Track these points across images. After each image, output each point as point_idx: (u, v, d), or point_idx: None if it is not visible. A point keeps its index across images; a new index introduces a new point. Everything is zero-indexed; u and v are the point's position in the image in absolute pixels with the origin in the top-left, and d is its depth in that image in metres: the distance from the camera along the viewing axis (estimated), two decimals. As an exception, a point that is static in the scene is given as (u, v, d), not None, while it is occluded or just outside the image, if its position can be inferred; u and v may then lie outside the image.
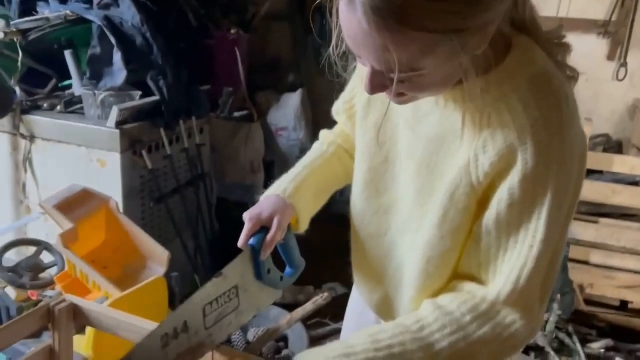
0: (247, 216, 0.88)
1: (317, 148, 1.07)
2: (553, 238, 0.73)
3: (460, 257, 0.80)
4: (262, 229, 0.87)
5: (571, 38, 0.81)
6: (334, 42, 0.75)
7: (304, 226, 0.96)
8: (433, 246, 0.81)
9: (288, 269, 0.94)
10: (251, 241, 0.86)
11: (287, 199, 0.92)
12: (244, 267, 0.86)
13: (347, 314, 1.21)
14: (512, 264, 0.73)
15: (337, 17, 0.69)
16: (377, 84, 0.70)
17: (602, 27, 2.74)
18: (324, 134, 1.10)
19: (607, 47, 2.78)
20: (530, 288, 0.73)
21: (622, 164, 2.30)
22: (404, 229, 0.88)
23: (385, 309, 0.98)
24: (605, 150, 2.67)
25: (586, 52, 2.75)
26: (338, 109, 1.07)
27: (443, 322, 0.74)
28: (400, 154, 0.87)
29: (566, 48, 0.78)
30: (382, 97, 0.77)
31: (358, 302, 1.11)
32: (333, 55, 0.77)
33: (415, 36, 0.61)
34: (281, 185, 0.95)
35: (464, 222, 0.77)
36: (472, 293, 0.76)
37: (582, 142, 0.75)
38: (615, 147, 2.77)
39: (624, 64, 2.75)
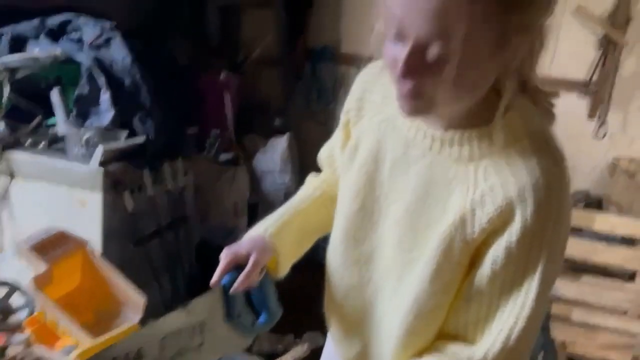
0: (223, 253, 0.86)
1: (303, 192, 1.05)
2: (545, 297, 0.72)
3: (449, 314, 0.78)
4: (238, 267, 0.84)
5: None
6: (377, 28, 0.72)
7: (283, 270, 0.93)
8: (423, 302, 0.78)
9: (262, 316, 0.89)
10: (223, 280, 0.83)
11: (268, 237, 0.89)
12: (213, 305, 0.82)
13: None
14: (502, 323, 0.72)
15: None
16: (414, 65, 0.66)
17: (583, 87, 2.82)
18: (310, 178, 1.09)
19: (588, 106, 2.86)
20: (519, 349, 0.72)
21: (603, 221, 2.32)
22: (386, 277, 0.86)
23: None
24: (585, 206, 2.70)
25: (568, 110, 2.81)
26: (322, 157, 1.07)
27: None
28: (379, 202, 0.86)
29: (551, 117, 0.80)
30: (370, 143, 0.76)
31: (331, 357, 1.08)
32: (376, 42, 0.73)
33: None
34: (263, 225, 0.92)
35: (455, 277, 0.76)
36: (456, 355, 0.74)
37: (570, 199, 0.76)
38: (595, 203, 2.80)
39: (604, 123, 2.82)
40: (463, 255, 0.75)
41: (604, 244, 2.33)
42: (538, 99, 0.77)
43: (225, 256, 0.85)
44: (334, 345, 1.02)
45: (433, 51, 0.64)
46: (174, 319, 0.77)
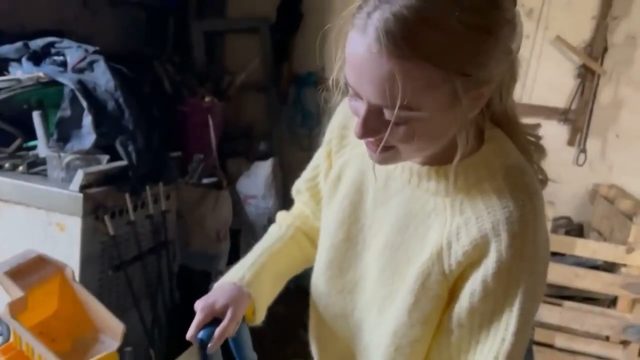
0: (198, 306, 0.85)
1: (274, 231, 1.04)
2: (525, 330, 0.71)
3: (430, 351, 0.78)
4: (214, 320, 0.83)
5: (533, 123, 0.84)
6: (334, 75, 0.75)
7: (260, 317, 0.92)
8: (402, 334, 0.78)
9: None
10: (200, 334, 0.82)
11: (245, 287, 0.88)
12: None
13: None
14: (483, 357, 0.72)
15: (342, 51, 0.69)
16: (370, 126, 0.69)
17: (562, 114, 2.88)
18: (281, 216, 1.08)
19: (568, 133, 2.91)
20: None
21: (584, 247, 2.34)
22: (368, 310, 0.86)
23: None
24: (567, 232, 2.72)
25: (547, 137, 2.83)
26: (299, 188, 1.06)
27: None
28: (363, 232, 0.86)
29: (541, 150, 0.81)
30: (353, 173, 0.76)
31: None
32: (332, 89, 0.77)
33: (423, 67, 0.62)
34: (238, 273, 0.91)
35: (434, 310, 0.76)
36: None
37: (547, 234, 0.76)
38: (577, 229, 2.83)
39: (584, 150, 2.87)
40: (441, 288, 0.75)
41: (585, 269, 2.35)
42: (516, 131, 0.78)
43: (200, 310, 0.84)
44: None
45: (387, 115, 0.66)
46: None
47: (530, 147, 0.80)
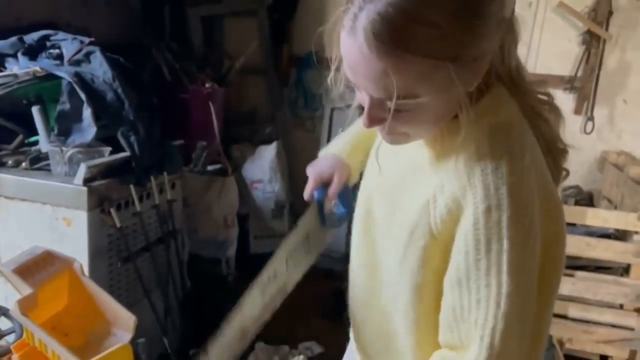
0: (310, 172, 1.05)
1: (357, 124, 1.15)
2: (525, 293, 0.70)
3: (433, 320, 0.77)
4: (324, 184, 1.05)
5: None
6: (331, 75, 0.77)
7: (354, 179, 1.11)
8: (394, 283, 0.81)
9: (341, 209, 1.11)
10: (316, 195, 1.05)
11: (345, 158, 1.08)
12: (312, 218, 1.04)
13: None
14: (482, 327, 0.70)
15: (338, 49, 0.72)
16: (375, 115, 0.72)
17: (568, 83, 2.83)
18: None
19: (574, 102, 2.87)
20: (507, 351, 0.69)
21: (595, 216, 2.32)
22: (384, 260, 0.87)
23: (375, 347, 0.96)
24: (577, 202, 2.70)
25: (554, 106, 2.83)
26: None
27: None
28: (384, 181, 0.89)
29: (557, 112, 0.79)
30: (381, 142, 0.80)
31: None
32: (331, 88, 0.79)
33: (413, 61, 0.64)
34: (339, 145, 1.11)
35: (420, 264, 0.76)
36: None
37: (549, 194, 0.74)
38: (586, 198, 2.81)
39: (591, 118, 2.84)
40: (427, 241, 0.75)
41: (597, 239, 2.33)
42: (522, 90, 0.77)
43: (313, 178, 1.05)
44: (351, 332, 1.04)
45: (388, 105, 0.69)
46: (292, 239, 1.00)
47: (543, 108, 0.78)
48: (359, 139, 1.11)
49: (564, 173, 0.84)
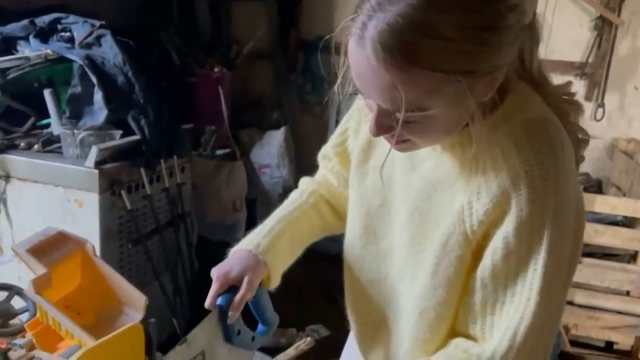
0: (214, 274, 0.85)
1: (295, 198, 1.03)
2: (552, 291, 0.70)
3: (457, 313, 0.77)
4: (231, 287, 0.84)
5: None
6: (338, 82, 0.75)
7: (275, 283, 0.92)
8: (426, 297, 0.78)
9: (260, 327, 0.90)
10: (219, 301, 0.83)
11: (260, 255, 0.88)
12: (211, 330, 0.82)
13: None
14: (509, 320, 0.70)
15: (345, 56, 0.69)
16: (383, 125, 0.69)
17: (579, 69, 2.81)
18: (304, 182, 1.07)
19: (585, 88, 2.85)
20: (528, 346, 0.70)
21: (603, 203, 2.31)
22: (400, 277, 0.86)
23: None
24: (585, 189, 2.70)
25: (564, 92, 2.81)
26: (327, 154, 1.04)
27: None
28: (395, 199, 0.85)
29: (578, 107, 0.78)
30: (387, 157, 0.76)
31: (353, 352, 1.07)
32: (338, 95, 0.76)
33: (423, 74, 0.62)
34: (254, 240, 0.91)
35: (457, 272, 0.75)
36: (468, 352, 0.73)
37: (577, 192, 0.74)
38: (595, 185, 2.80)
39: (602, 105, 2.82)
40: (463, 250, 0.74)
41: (605, 225, 2.33)
42: (545, 92, 0.75)
43: (217, 279, 0.84)
44: (356, 339, 1.01)
45: (397, 116, 0.66)
46: (177, 356, 0.78)
47: (564, 106, 0.77)
48: (285, 231, 0.94)
49: (580, 159, 0.83)
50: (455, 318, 0.78)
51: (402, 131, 0.68)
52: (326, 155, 1.04)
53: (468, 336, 0.76)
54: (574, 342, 2.39)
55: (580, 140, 0.79)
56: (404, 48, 0.60)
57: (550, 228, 0.68)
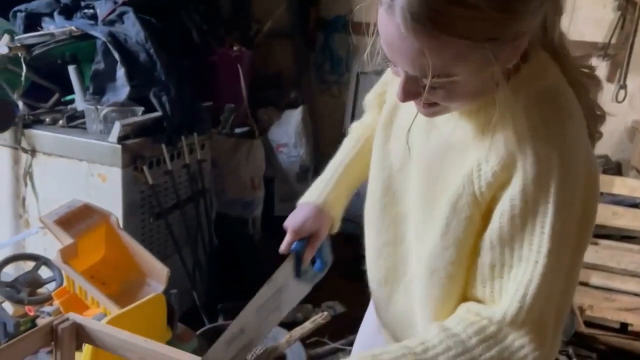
0: (289, 226, 0.99)
1: (349, 145, 1.12)
2: (560, 254, 0.71)
3: (468, 275, 0.79)
4: (303, 237, 0.99)
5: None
6: (368, 50, 0.77)
7: (335, 229, 1.07)
8: (436, 257, 0.80)
9: (318, 264, 1.06)
10: (294, 247, 0.99)
11: (327, 209, 1.02)
12: (287, 271, 0.99)
13: (358, 336, 1.21)
14: (518, 282, 0.72)
15: (375, 26, 0.72)
16: (410, 90, 0.72)
17: (601, 50, 2.76)
18: (354, 126, 1.14)
19: (607, 69, 2.80)
20: (537, 307, 0.71)
21: (622, 185, 2.30)
22: (415, 239, 0.88)
23: (396, 322, 0.97)
24: (604, 171, 2.67)
25: (586, 73, 2.78)
26: (370, 101, 1.11)
27: (448, 344, 0.72)
28: (413, 161, 0.88)
29: (596, 81, 0.79)
30: (410, 103, 0.79)
31: (371, 326, 1.11)
32: (368, 63, 0.79)
33: (450, 42, 0.64)
34: (320, 195, 1.04)
35: (467, 233, 0.77)
36: (479, 315, 0.75)
37: (589, 161, 0.75)
38: (615, 168, 2.78)
39: (624, 86, 2.78)
40: (472, 211, 0.76)
41: (624, 208, 2.32)
42: (565, 63, 0.76)
43: (292, 231, 0.98)
44: (374, 303, 1.05)
45: (423, 82, 0.68)
46: (262, 294, 0.93)
47: (583, 79, 0.78)
48: (344, 183, 1.07)
49: (597, 135, 0.84)
50: (466, 281, 0.80)
51: (428, 96, 0.71)
52: (370, 102, 1.12)
53: (479, 300, 0.77)
54: (589, 323, 2.40)
55: (597, 117, 0.80)
56: (432, 16, 0.62)
57: (556, 191, 0.70)
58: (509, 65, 0.70)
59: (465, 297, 0.80)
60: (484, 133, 0.75)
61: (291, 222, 1.00)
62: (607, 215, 2.31)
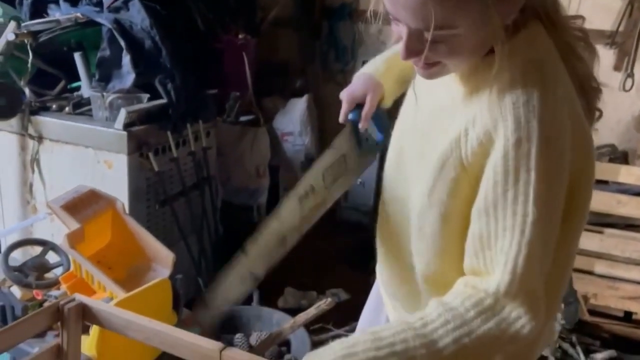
0: (343, 95, 1.03)
1: (385, 54, 1.14)
2: (548, 222, 0.72)
3: (464, 249, 0.80)
4: (358, 105, 1.03)
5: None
6: (371, 8, 0.80)
7: (388, 102, 1.09)
8: (422, 214, 0.83)
9: (379, 135, 1.09)
10: (350, 116, 1.03)
11: (379, 77, 1.05)
12: (348, 138, 1.04)
13: (363, 312, 1.22)
14: (506, 253, 0.72)
15: None
16: (413, 47, 0.74)
17: (609, 38, 2.74)
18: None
19: (614, 58, 2.78)
20: (529, 276, 0.72)
21: (628, 174, 2.29)
22: (415, 195, 0.89)
23: (398, 288, 0.99)
24: (610, 160, 2.66)
25: (593, 62, 2.76)
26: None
27: (446, 317, 0.73)
28: (420, 120, 0.90)
29: (592, 48, 0.80)
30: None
31: (375, 300, 1.13)
32: (370, 20, 0.81)
33: None
34: (374, 65, 1.08)
35: (451, 195, 0.79)
36: (476, 288, 0.75)
37: (581, 136, 0.75)
38: (621, 157, 2.77)
39: (631, 75, 2.76)
40: (458, 174, 0.77)
41: (629, 196, 2.31)
42: (558, 24, 0.77)
43: (346, 99, 1.03)
44: (379, 267, 1.07)
45: (426, 36, 0.70)
46: (327, 157, 1.00)
47: (578, 44, 0.79)
48: (394, 62, 1.08)
49: (597, 114, 0.84)
50: (456, 253, 0.81)
51: (430, 53, 0.72)
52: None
53: (475, 271, 0.78)
54: (593, 312, 2.40)
55: (593, 89, 0.80)
56: None
57: (537, 160, 0.70)
58: (507, 20, 0.71)
59: (462, 269, 0.81)
60: (471, 98, 0.77)
61: (345, 92, 1.04)
62: (612, 203, 2.31)
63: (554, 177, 0.72)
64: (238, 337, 1.89)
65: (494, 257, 0.74)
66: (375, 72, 1.07)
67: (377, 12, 0.79)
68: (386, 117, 1.10)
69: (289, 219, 0.96)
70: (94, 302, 0.86)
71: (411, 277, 0.94)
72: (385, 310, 1.07)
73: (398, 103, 1.04)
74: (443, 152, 0.79)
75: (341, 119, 1.03)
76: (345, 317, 2.18)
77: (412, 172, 0.90)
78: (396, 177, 0.96)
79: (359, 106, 1.03)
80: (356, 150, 1.05)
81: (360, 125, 1.03)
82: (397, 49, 1.08)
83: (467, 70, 0.78)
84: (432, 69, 0.77)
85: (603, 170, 2.33)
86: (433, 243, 0.84)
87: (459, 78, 0.80)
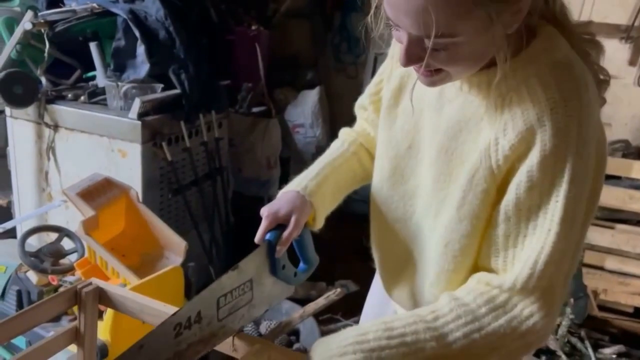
0: (264, 212, 0.89)
1: (337, 146, 1.07)
2: (572, 222, 0.73)
3: (480, 246, 0.80)
4: (279, 225, 0.89)
5: (593, 42, 0.82)
6: (372, 12, 0.78)
7: (319, 224, 0.97)
8: (452, 229, 0.82)
9: (302, 265, 0.95)
10: (268, 236, 0.88)
11: (307, 196, 0.93)
12: (259, 262, 0.87)
13: (365, 307, 1.22)
14: (530, 250, 0.73)
15: None
16: (413, 54, 0.72)
17: (624, 32, 2.72)
18: (344, 132, 1.11)
19: (629, 52, 2.76)
20: (548, 274, 0.73)
21: (640, 170, 2.28)
22: (426, 214, 0.89)
23: (405, 297, 0.99)
24: (624, 156, 2.64)
25: (608, 56, 2.71)
26: (363, 104, 1.08)
27: (458, 312, 0.74)
28: (423, 140, 0.89)
29: (599, 47, 0.80)
30: (416, 83, 0.80)
31: (378, 295, 1.13)
32: (371, 27, 0.80)
33: None
34: (302, 182, 0.95)
35: (482, 205, 0.78)
36: (489, 284, 0.77)
37: (600, 132, 0.76)
38: (635, 153, 2.74)
39: (646, 70, 2.73)
40: (488, 184, 0.77)
41: (640, 192, 2.30)
42: (567, 30, 0.77)
43: (267, 216, 0.88)
44: (381, 277, 1.06)
45: (427, 43, 0.69)
46: (227, 281, 0.81)
47: (585, 45, 0.79)
48: (329, 176, 0.99)
49: (601, 101, 0.84)
50: (478, 252, 0.81)
51: (431, 61, 0.71)
52: (362, 105, 1.08)
53: (490, 270, 0.79)
54: (602, 307, 2.40)
55: (601, 81, 0.80)
56: None
57: (572, 163, 0.71)
58: (510, 30, 0.71)
59: (477, 267, 0.82)
60: (496, 106, 0.76)
61: (266, 209, 0.90)
62: (624, 199, 2.30)
63: (584, 178, 0.73)
64: (247, 326, 1.92)
65: (516, 254, 0.75)
66: (304, 189, 0.93)
67: (378, 18, 0.77)
68: (312, 244, 0.95)
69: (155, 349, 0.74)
70: (110, 286, 0.88)
71: (411, 282, 0.95)
72: (392, 305, 1.07)
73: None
74: (472, 164, 0.78)
75: (257, 238, 0.88)
76: (353, 307, 2.18)
77: (421, 190, 0.90)
78: (392, 195, 0.95)
79: (280, 226, 0.88)
80: (270, 278, 0.89)
81: (277, 249, 0.87)
82: (334, 147, 1.05)
83: (485, 80, 0.77)
84: (434, 76, 0.76)
85: (616, 165, 2.32)
86: (455, 256, 0.83)
87: (477, 89, 0.79)
